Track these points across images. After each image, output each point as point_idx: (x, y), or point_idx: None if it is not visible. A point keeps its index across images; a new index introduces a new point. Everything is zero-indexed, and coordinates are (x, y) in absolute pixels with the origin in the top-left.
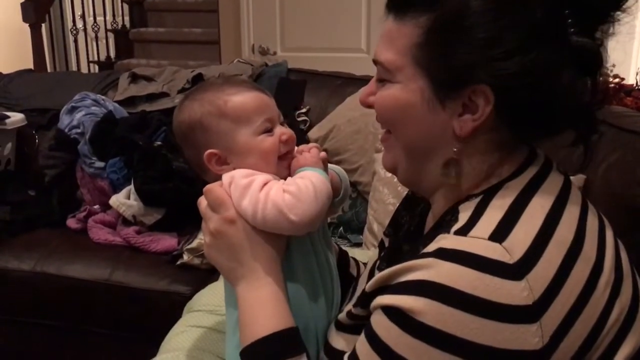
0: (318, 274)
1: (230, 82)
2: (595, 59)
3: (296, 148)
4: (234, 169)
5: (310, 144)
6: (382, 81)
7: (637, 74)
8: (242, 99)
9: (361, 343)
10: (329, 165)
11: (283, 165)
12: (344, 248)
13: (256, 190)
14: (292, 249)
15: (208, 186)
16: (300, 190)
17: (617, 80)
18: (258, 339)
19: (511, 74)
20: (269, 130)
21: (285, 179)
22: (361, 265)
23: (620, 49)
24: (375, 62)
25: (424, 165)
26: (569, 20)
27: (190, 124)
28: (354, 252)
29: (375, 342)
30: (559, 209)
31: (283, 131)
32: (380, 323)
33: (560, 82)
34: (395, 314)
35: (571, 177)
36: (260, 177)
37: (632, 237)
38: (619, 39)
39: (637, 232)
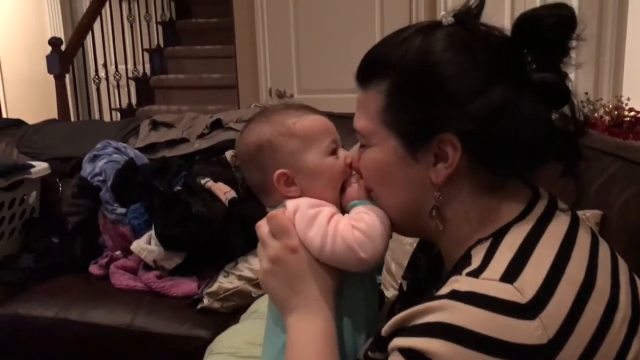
0: (364, 311)
1: (294, 106)
2: (559, 92)
3: None
4: (302, 190)
5: (354, 176)
6: (362, 146)
7: None
8: (311, 119)
9: None
10: None
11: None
12: None
13: (324, 222)
14: (345, 285)
15: (272, 212)
16: (370, 228)
17: (632, 113)
18: None
19: (472, 119)
20: (334, 152)
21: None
22: (386, 298)
23: (635, 82)
24: (354, 130)
25: (414, 217)
26: (529, 58)
27: (260, 145)
28: None
29: None
30: (568, 247)
31: (347, 154)
32: None
33: (522, 119)
34: (412, 356)
35: (587, 213)
36: (327, 209)
37: None
38: (634, 72)
39: None
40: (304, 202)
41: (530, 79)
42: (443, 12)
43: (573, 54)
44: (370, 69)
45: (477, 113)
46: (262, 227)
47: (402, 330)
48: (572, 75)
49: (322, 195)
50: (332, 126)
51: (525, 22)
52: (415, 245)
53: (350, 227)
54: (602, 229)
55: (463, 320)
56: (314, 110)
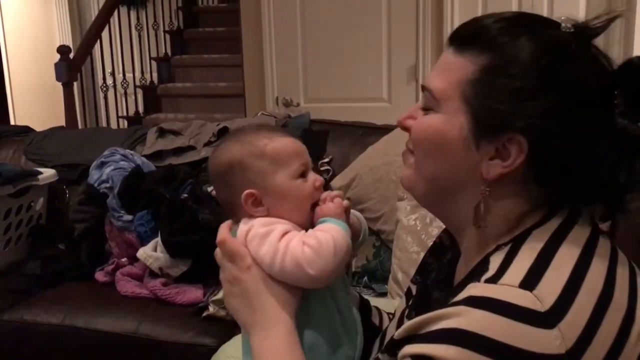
0: (340, 322)
1: (267, 128)
2: (634, 144)
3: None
4: (268, 210)
5: (334, 193)
6: (425, 110)
7: None
8: (281, 142)
9: None
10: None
11: (310, 214)
12: (369, 297)
13: (275, 240)
14: (311, 298)
15: (221, 238)
16: (321, 245)
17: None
18: None
19: (550, 132)
20: (303, 175)
21: (306, 227)
22: (384, 314)
23: None
24: (424, 88)
25: (444, 197)
26: (617, 101)
27: (231, 164)
28: (378, 302)
29: None
30: (587, 256)
31: (316, 177)
32: None
33: (595, 154)
34: None
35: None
36: (280, 227)
37: None
38: None
39: None
40: (257, 221)
41: (614, 121)
42: (563, 17)
43: None
44: (473, 37)
45: (557, 130)
46: (219, 252)
47: (415, 337)
48: None
49: (288, 217)
50: (303, 149)
51: (632, 67)
52: (421, 253)
53: (301, 244)
54: (610, 236)
55: (480, 327)
56: (288, 133)
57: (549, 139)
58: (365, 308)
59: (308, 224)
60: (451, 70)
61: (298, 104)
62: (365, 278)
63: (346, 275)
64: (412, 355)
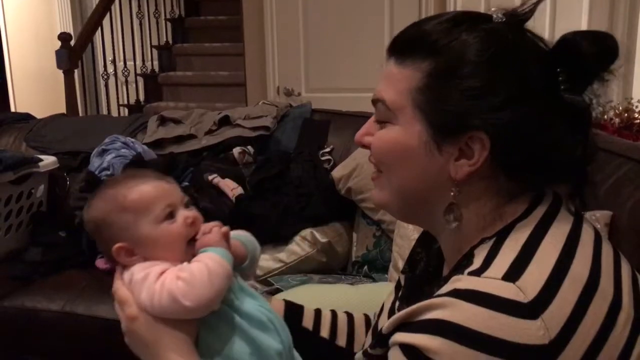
0: (249, 328)
1: (133, 176)
2: (585, 117)
3: (201, 227)
4: (144, 259)
5: (211, 224)
6: (381, 123)
7: None
8: (139, 190)
9: None
10: (233, 233)
11: (190, 250)
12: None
13: (152, 282)
14: (212, 321)
15: (114, 287)
16: (194, 276)
17: None
18: None
19: (505, 123)
20: (171, 216)
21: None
22: (324, 314)
23: None
24: (376, 101)
25: (419, 206)
26: (560, 78)
27: (97, 222)
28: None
29: None
30: (572, 245)
31: (187, 214)
32: (397, 358)
33: (552, 136)
34: (412, 352)
35: (597, 214)
36: (157, 268)
37: None
38: None
39: None
40: (136, 268)
41: (562, 98)
42: (494, 8)
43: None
44: (413, 45)
45: (512, 120)
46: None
47: (404, 325)
48: None
49: (163, 259)
50: (166, 190)
51: (566, 43)
52: None
53: (175, 279)
54: (612, 229)
55: (463, 318)
56: (154, 177)
57: (508, 130)
58: (294, 315)
59: (189, 259)
60: (397, 81)
61: (299, 94)
62: (365, 267)
63: (244, 280)
64: (400, 344)
